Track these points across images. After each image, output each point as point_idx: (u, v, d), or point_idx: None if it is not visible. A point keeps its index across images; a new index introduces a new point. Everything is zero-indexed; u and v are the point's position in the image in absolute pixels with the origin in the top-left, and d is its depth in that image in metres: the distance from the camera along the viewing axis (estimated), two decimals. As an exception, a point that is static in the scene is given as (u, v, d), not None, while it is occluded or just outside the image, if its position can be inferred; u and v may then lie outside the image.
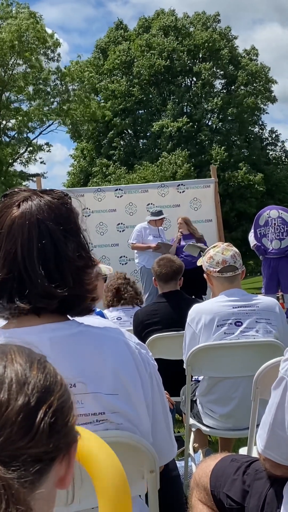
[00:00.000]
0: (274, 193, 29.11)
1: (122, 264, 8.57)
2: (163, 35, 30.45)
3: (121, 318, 3.92)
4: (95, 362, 1.05)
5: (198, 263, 2.76)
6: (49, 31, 25.08)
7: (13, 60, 24.28)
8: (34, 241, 1.04)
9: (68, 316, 1.11)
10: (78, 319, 1.12)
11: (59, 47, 25.61)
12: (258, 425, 2.14)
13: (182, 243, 7.31)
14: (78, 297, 1.08)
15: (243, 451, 2.01)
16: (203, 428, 2.53)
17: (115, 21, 34.29)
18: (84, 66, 25.72)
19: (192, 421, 2.59)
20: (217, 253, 2.54)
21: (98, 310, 2.64)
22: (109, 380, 1.05)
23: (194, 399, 2.64)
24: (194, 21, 31.88)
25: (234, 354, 2.39)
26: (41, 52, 24.95)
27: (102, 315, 2.60)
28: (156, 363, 1.17)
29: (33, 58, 24.09)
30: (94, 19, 66.15)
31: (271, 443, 1.22)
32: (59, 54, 25.95)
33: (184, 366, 2.49)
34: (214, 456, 1.56)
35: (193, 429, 2.65)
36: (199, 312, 2.48)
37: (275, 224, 6.81)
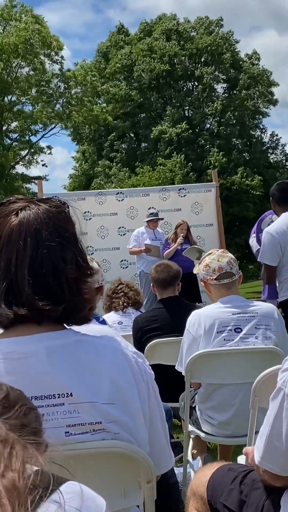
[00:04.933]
0: (273, 197, 29.03)
1: (123, 268, 8.57)
2: (165, 39, 30.54)
3: (122, 323, 3.93)
4: (92, 371, 1.05)
5: (194, 271, 2.77)
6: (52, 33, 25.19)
7: (16, 62, 24.37)
8: (29, 251, 1.04)
9: (65, 325, 1.11)
10: (75, 328, 1.12)
11: (62, 50, 25.73)
12: (257, 432, 2.14)
13: (183, 246, 7.31)
14: (76, 307, 1.09)
15: (241, 459, 2.01)
16: (202, 434, 2.52)
17: (117, 25, 34.48)
18: (88, 70, 25.79)
19: (191, 427, 2.59)
20: (212, 260, 2.55)
21: (101, 319, 2.64)
22: (106, 389, 1.05)
23: (193, 405, 2.63)
24: (196, 25, 31.98)
25: (233, 361, 2.39)
26: (45, 53, 25.03)
27: (104, 323, 2.60)
28: (153, 372, 1.17)
29: (36, 60, 24.18)
30: (94, 25, 66.66)
31: (268, 454, 1.22)
32: (62, 57, 26.06)
33: (183, 373, 2.48)
34: (211, 465, 1.55)
35: (192, 436, 2.64)
36: (199, 317, 2.48)
37: None
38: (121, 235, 8.58)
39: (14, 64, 24.34)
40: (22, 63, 24.61)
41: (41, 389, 1.02)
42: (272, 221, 7.03)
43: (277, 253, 3.90)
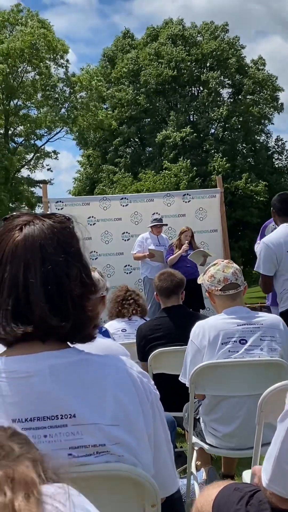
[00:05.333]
0: (278, 202, 28.99)
1: (127, 273, 8.55)
2: (171, 44, 30.58)
3: (125, 330, 3.90)
4: (96, 392, 1.03)
5: (199, 281, 2.75)
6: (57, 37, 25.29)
7: (22, 67, 24.47)
8: (37, 266, 1.03)
9: (68, 343, 1.09)
10: (79, 346, 1.10)
11: (67, 53, 25.83)
12: (263, 445, 2.11)
13: (187, 252, 7.29)
14: (79, 324, 1.07)
15: (246, 474, 1.98)
16: (206, 447, 2.49)
17: (122, 30, 34.57)
18: (93, 75, 25.86)
19: (195, 439, 2.56)
20: (218, 271, 2.52)
21: (104, 329, 2.62)
22: (110, 410, 1.03)
23: (197, 417, 2.60)
24: (202, 30, 32.01)
25: (238, 373, 2.36)
26: (51, 57, 25.14)
27: (107, 334, 2.57)
28: (158, 392, 1.14)
29: (42, 65, 24.28)
30: (99, 30, 67.09)
31: (276, 476, 1.19)
32: (67, 61, 26.14)
33: (187, 384, 2.46)
34: (217, 484, 1.53)
35: (196, 448, 2.61)
36: (203, 328, 2.45)
37: None
38: (125, 240, 8.57)
39: (20, 69, 24.45)
40: (28, 68, 24.72)
41: (44, 409, 1.00)
42: (276, 228, 7.02)
43: (273, 263, 3.92)
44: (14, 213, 1.12)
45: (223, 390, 2.38)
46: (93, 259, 8.56)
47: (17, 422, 0.99)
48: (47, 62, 24.88)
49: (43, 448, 0.98)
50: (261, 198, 26.73)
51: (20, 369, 1.01)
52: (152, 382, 1.14)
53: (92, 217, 8.53)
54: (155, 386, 1.14)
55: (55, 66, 25.77)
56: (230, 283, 2.48)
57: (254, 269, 4.41)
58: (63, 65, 25.93)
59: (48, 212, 1.17)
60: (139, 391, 1.08)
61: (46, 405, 1.00)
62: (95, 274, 2.67)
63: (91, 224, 8.55)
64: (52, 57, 25.18)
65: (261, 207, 27.02)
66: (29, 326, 1.01)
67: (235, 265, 2.57)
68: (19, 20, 25.07)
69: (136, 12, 61.96)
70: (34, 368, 1.01)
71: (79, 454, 1.00)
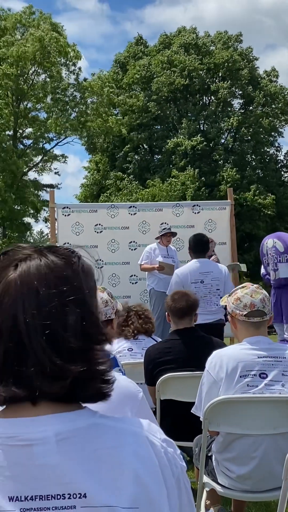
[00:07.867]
0: (284, 215, 28.88)
1: (132, 283, 8.38)
2: (184, 53, 30.51)
3: (132, 349, 3.74)
4: (111, 466, 0.84)
5: (221, 302, 2.56)
6: (70, 43, 25.29)
7: (33, 69, 24.45)
8: (29, 311, 0.85)
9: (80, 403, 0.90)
10: (91, 406, 0.91)
11: (80, 60, 25.81)
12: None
13: None
14: (81, 381, 0.87)
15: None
16: (218, 488, 2.29)
17: (135, 36, 34.52)
18: (105, 81, 25.81)
19: (206, 479, 2.36)
20: (245, 295, 2.32)
21: (112, 355, 2.42)
22: (128, 488, 0.84)
23: (209, 454, 2.40)
24: (215, 40, 31.94)
25: (256, 410, 2.17)
26: (62, 62, 25.13)
27: (115, 361, 2.37)
28: (184, 464, 0.95)
29: (53, 68, 24.25)
30: (111, 36, 67.70)
31: None
32: (80, 68, 26.11)
33: (201, 418, 2.26)
34: None
35: (207, 488, 2.41)
36: (221, 358, 2.26)
37: (270, 254, 6.66)
38: (132, 249, 8.40)
39: (30, 71, 24.42)
40: (39, 70, 24.70)
41: (49, 486, 0.81)
42: (267, 247, 6.91)
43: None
44: (15, 247, 0.95)
45: (239, 427, 2.18)
46: (98, 268, 8.36)
47: (15, 501, 0.81)
48: (58, 66, 24.86)
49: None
50: (268, 212, 26.55)
51: (20, 435, 0.83)
52: (178, 452, 0.94)
53: (99, 224, 8.38)
54: (181, 457, 0.95)
55: (67, 72, 25.76)
56: (256, 310, 2.28)
57: (167, 293, 4.97)
58: (75, 71, 25.91)
59: (51, 244, 0.98)
60: (162, 464, 0.89)
61: (50, 482, 0.81)
62: (104, 295, 2.47)
63: (98, 232, 8.39)
64: (63, 61, 25.16)
65: (267, 220, 26.84)
66: (16, 386, 0.84)
67: (264, 291, 2.37)
68: (31, 22, 25.09)
69: (148, 21, 62.21)
70: (37, 435, 0.83)
71: None
